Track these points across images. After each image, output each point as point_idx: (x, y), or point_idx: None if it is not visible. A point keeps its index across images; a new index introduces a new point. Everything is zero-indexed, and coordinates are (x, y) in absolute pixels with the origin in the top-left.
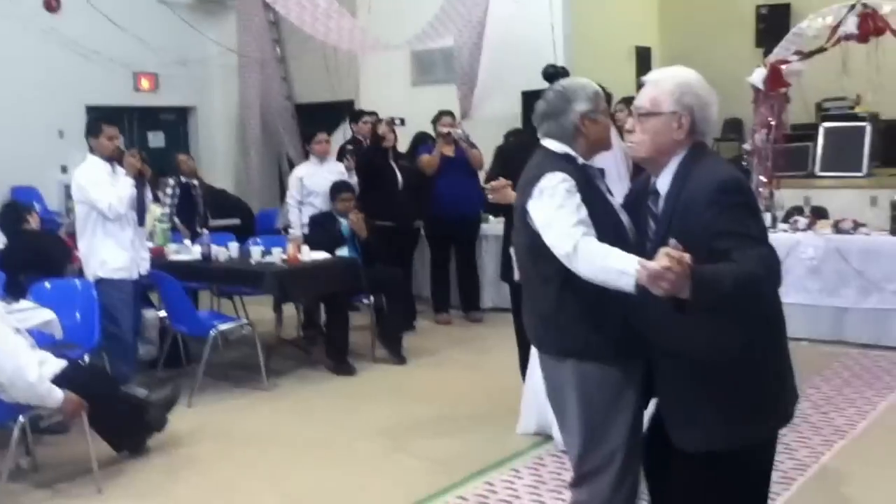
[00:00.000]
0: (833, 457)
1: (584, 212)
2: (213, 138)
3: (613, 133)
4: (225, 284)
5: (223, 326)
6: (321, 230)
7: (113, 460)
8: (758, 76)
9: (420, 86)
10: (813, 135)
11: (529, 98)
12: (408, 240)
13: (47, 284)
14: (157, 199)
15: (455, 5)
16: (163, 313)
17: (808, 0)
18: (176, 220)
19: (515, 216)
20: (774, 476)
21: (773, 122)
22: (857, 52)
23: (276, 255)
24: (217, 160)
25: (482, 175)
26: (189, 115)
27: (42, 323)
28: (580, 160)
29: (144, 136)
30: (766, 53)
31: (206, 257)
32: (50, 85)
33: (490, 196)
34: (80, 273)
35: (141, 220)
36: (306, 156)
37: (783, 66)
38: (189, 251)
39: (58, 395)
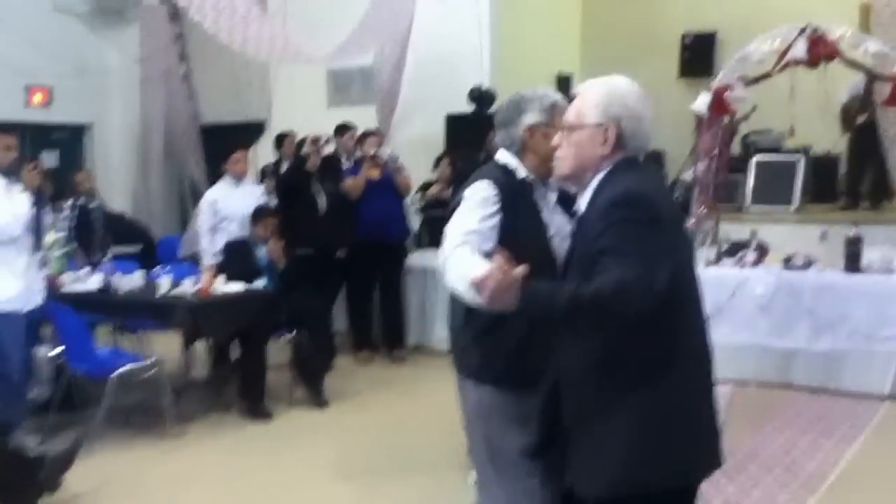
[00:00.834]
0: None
1: (487, 224)
2: (112, 158)
3: None
4: (128, 318)
5: (127, 367)
6: (237, 259)
7: None
8: (701, 102)
9: (337, 106)
10: (743, 167)
11: (454, 122)
12: (330, 269)
13: None
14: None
15: (377, 20)
16: (57, 350)
17: (733, 30)
18: (73, 245)
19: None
20: None
21: (716, 152)
22: (784, 85)
23: (188, 287)
24: (115, 181)
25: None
26: (85, 132)
27: None
28: (522, 174)
29: (37, 154)
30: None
31: (107, 288)
32: None
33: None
34: None
35: (38, 245)
36: (212, 178)
37: (727, 93)
38: (87, 281)
39: None
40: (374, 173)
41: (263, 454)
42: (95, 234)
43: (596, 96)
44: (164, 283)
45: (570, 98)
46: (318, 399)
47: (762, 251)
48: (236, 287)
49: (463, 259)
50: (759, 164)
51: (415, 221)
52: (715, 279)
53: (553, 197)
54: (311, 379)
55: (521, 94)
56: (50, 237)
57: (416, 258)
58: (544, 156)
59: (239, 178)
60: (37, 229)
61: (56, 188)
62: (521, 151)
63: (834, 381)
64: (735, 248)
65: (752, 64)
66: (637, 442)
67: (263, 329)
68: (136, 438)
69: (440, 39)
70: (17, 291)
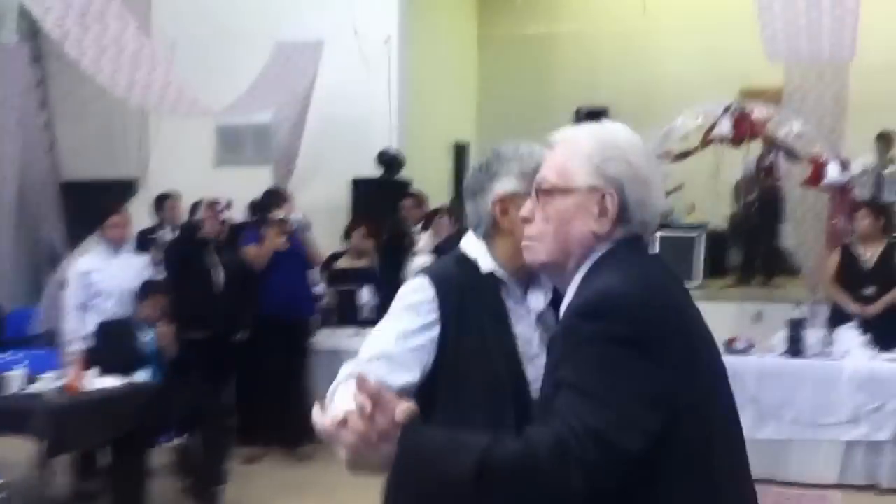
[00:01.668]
0: None
1: (410, 344)
2: None
3: None
4: None
5: None
6: (114, 343)
7: None
8: None
9: (226, 166)
10: None
11: (362, 186)
12: (227, 355)
13: None
14: None
15: (278, 75)
16: None
17: (624, 105)
18: None
19: None
20: None
21: None
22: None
23: (50, 382)
24: None
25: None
26: None
27: None
28: (486, 267)
29: None
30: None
31: None
32: None
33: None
34: None
35: None
36: (72, 242)
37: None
38: None
39: None
40: (280, 241)
41: None
42: None
43: (587, 147)
44: (16, 376)
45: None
46: None
47: None
48: (114, 381)
49: (339, 398)
50: (662, 240)
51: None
52: None
53: (538, 301)
54: (204, 492)
55: (496, 150)
56: None
57: (324, 338)
58: (518, 238)
59: (117, 245)
60: None
61: None
62: (490, 233)
63: (781, 471)
64: None
65: (676, 140)
66: None
67: (147, 432)
68: None
69: (345, 100)
70: None
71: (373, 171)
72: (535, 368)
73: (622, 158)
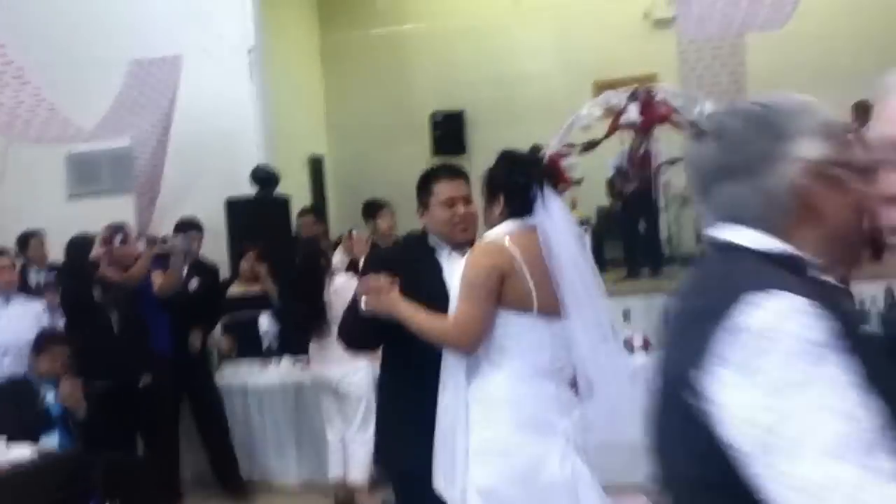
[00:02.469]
0: None
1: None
2: None
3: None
4: None
5: None
6: (14, 408)
7: None
8: None
9: (80, 198)
10: None
11: (236, 206)
12: (132, 405)
13: None
14: None
15: (136, 95)
16: None
17: (480, 109)
18: None
19: (660, 401)
20: None
21: None
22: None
23: None
24: None
25: None
26: None
27: None
28: (816, 270)
29: None
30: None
31: None
32: None
33: (364, 303)
34: None
35: None
36: None
37: (563, 160)
38: None
39: None
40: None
41: None
42: None
43: None
44: None
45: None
46: None
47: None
48: (22, 451)
49: None
50: None
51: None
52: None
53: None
54: None
55: (767, 104)
56: None
57: (230, 374)
58: (838, 225)
59: (5, 293)
60: None
61: None
62: (791, 219)
63: None
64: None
65: (578, 130)
66: None
67: None
68: None
69: (209, 118)
70: None
71: (246, 189)
72: None
73: None
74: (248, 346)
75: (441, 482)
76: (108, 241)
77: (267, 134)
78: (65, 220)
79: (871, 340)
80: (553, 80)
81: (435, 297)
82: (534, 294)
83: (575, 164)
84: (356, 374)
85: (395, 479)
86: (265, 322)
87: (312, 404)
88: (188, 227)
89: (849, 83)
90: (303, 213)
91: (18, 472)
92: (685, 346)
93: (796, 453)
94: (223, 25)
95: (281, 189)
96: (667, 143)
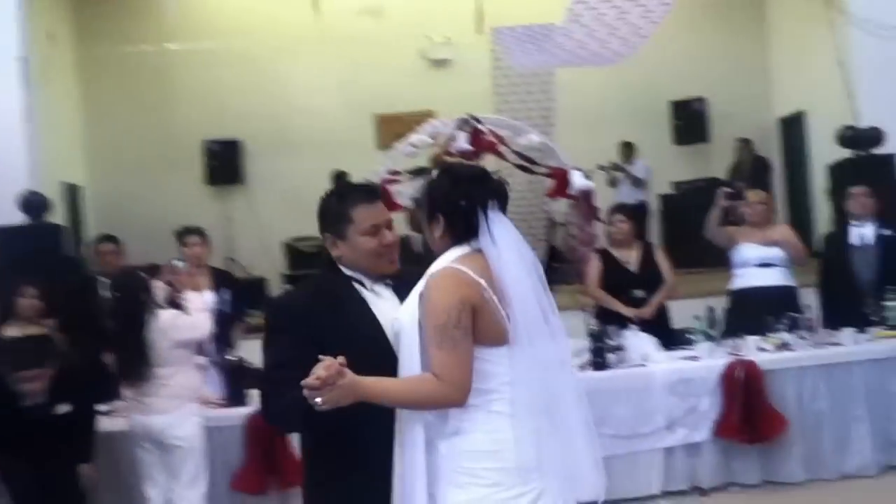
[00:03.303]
0: None
1: None
2: None
3: None
4: None
5: None
6: None
7: None
8: None
9: None
10: None
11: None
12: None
13: None
14: None
15: None
16: None
17: (258, 138)
18: None
19: None
20: None
21: None
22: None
23: None
24: None
25: None
26: None
27: None
28: None
29: None
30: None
31: None
32: None
33: (320, 403)
34: None
35: None
36: None
37: (393, 187)
38: None
39: None
40: None
41: None
42: None
43: None
44: None
45: None
46: None
47: None
48: None
49: None
50: None
51: None
52: None
53: None
54: None
55: None
56: None
57: None
58: None
59: None
60: None
61: None
62: None
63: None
64: None
65: (402, 158)
66: None
67: None
68: None
69: None
70: None
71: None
72: None
73: None
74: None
75: None
76: None
77: (31, 159)
78: None
79: None
80: (334, 112)
81: (370, 338)
82: (506, 323)
83: (404, 192)
84: (184, 423)
85: None
86: None
87: (123, 459)
88: None
89: None
90: (101, 240)
91: None
92: None
93: None
94: None
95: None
96: None
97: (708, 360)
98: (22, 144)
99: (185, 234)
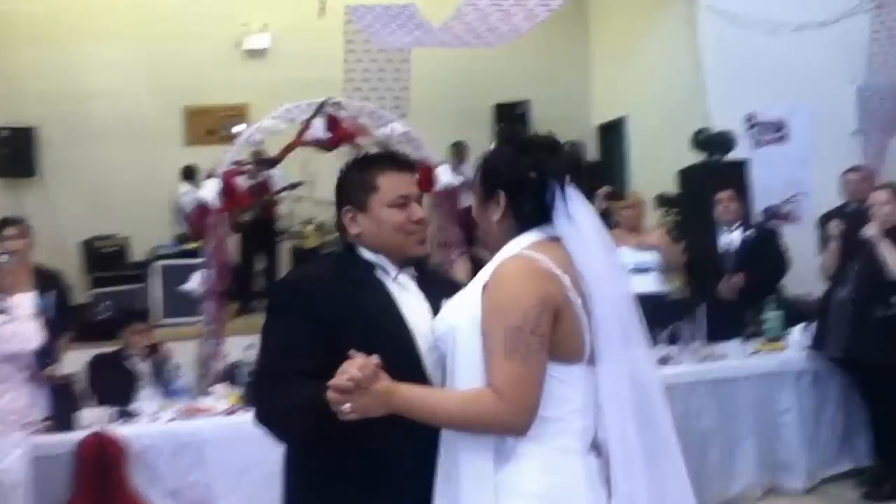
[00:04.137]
0: None
1: None
2: None
3: None
4: None
5: None
6: None
7: None
8: (210, 189)
9: None
10: (142, 275)
11: None
12: None
13: None
14: None
15: None
16: None
17: (54, 126)
18: None
19: None
20: None
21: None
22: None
23: None
24: None
25: None
26: None
27: None
28: None
29: None
30: None
31: None
32: None
33: (346, 412)
34: None
35: None
36: None
37: (238, 178)
38: None
39: None
40: None
41: None
42: None
43: None
44: None
45: None
46: None
47: None
48: None
49: None
50: (165, 270)
51: None
52: None
53: None
54: None
55: None
56: None
57: None
58: None
59: None
60: None
61: None
62: None
63: None
64: None
65: (253, 145)
66: None
67: None
68: None
69: None
70: None
71: None
72: None
73: None
74: None
75: None
76: None
77: None
78: None
79: None
80: (139, 101)
81: (394, 337)
82: (587, 335)
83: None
84: (8, 454)
85: None
86: None
87: None
88: None
89: None
90: None
91: None
92: None
93: None
94: None
95: None
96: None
97: None
98: None
99: (0, 225)
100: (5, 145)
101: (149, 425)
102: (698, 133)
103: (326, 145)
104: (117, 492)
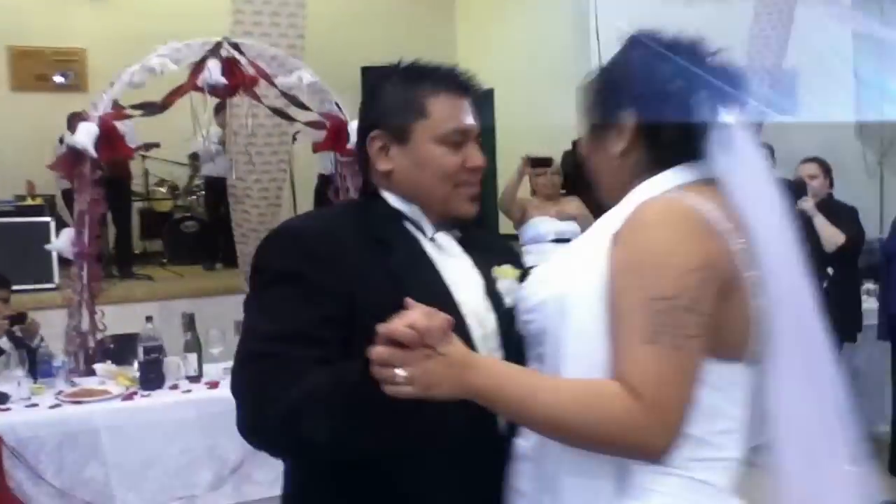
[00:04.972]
0: None
1: None
2: None
3: None
4: None
5: None
6: None
7: None
8: (85, 134)
9: None
10: None
11: None
12: None
13: None
14: None
15: None
16: None
17: None
18: None
19: None
20: None
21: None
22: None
23: None
24: None
25: None
26: None
27: None
28: None
29: None
30: None
31: None
32: None
33: (400, 384)
34: None
35: None
36: None
37: (121, 123)
38: None
39: None
40: None
41: None
42: None
43: None
44: None
45: None
46: None
47: None
48: None
49: None
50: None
51: None
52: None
53: None
54: None
55: None
56: None
57: None
58: None
59: None
60: None
61: None
62: None
63: None
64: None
65: (130, 87)
66: None
67: None
68: None
69: None
70: None
71: None
72: None
73: None
74: None
75: None
76: None
77: None
78: None
79: None
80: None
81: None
82: (752, 323)
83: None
84: None
85: None
86: None
87: None
88: None
89: None
90: None
91: None
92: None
93: None
94: None
95: None
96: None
97: None
98: None
99: None
100: None
101: (25, 413)
102: None
103: (222, 92)
104: None
